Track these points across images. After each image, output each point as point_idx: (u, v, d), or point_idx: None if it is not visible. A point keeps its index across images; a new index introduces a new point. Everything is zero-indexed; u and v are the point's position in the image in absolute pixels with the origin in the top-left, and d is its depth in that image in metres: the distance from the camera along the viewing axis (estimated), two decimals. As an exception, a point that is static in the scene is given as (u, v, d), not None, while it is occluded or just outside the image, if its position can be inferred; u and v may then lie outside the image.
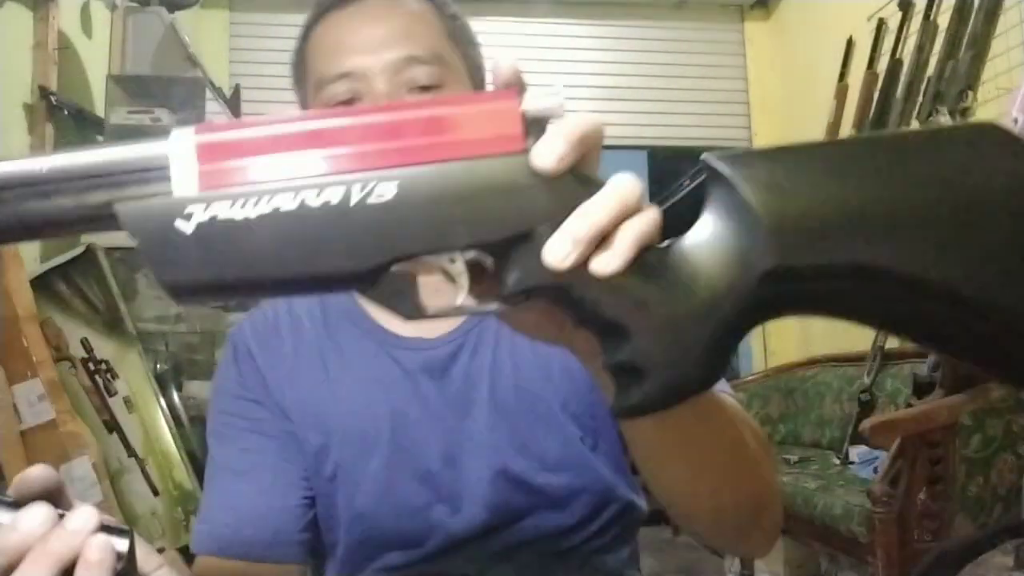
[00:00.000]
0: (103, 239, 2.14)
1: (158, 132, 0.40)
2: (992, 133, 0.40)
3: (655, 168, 5.53)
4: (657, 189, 5.32)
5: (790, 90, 3.70)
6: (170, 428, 2.14)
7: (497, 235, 0.38)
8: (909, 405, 2.02)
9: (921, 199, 0.39)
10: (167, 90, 2.42)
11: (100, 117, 2.34)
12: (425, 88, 0.70)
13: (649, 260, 0.39)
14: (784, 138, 3.73)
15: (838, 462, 2.42)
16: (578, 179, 0.39)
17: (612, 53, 3.76)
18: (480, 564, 0.74)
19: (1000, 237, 0.38)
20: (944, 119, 2.29)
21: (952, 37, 2.32)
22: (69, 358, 1.87)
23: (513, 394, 0.74)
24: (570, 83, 3.65)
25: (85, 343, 1.95)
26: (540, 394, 0.74)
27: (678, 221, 0.43)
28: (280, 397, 0.76)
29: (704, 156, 0.40)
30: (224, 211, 0.36)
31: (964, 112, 2.19)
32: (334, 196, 0.37)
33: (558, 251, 0.38)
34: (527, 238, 0.38)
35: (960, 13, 2.31)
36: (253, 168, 0.37)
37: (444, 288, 0.42)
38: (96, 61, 2.45)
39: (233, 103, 3.05)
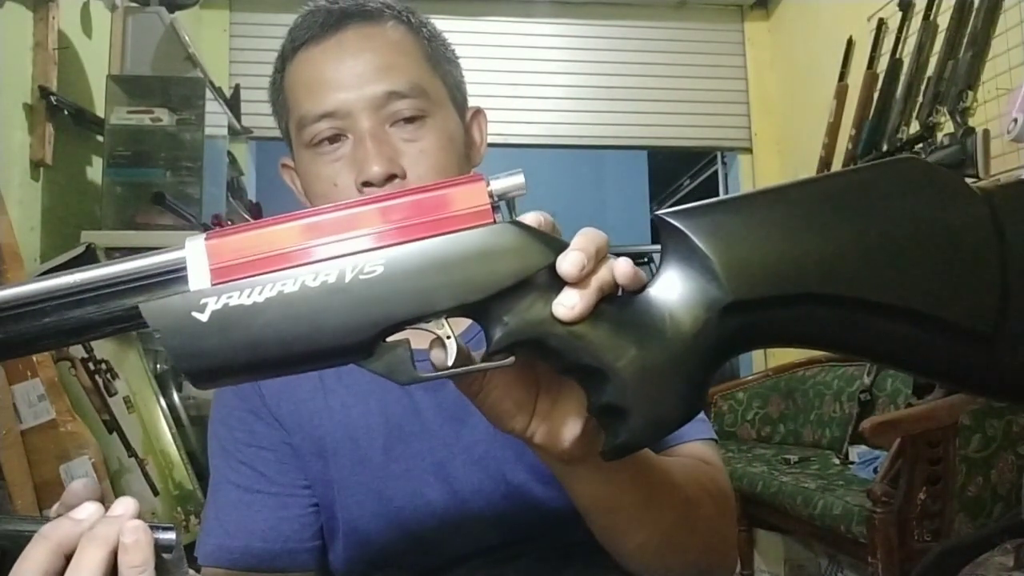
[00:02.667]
0: (103, 239, 2.14)
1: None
2: (910, 166, 0.44)
3: (655, 168, 5.50)
4: (657, 189, 5.31)
5: (790, 90, 3.70)
6: (170, 428, 2.14)
7: (476, 296, 0.42)
8: (909, 405, 2.02)
9: (854, 230, 0.43)
10: (167, 90, 2.42)
11: (100, 117, 2.34)
12: (409, 120, 0.70)
13: (617, 306, 0.44)
14: (784, 138, 3.74)
15: (838, 462, 2.42)
16: (542, 239, 0.43)
17: (612, 53, 3.75)
18: (485, 570, 0.74)
19: (927, 255, 0.43)
20: (944, 119, 2.28)
21: (952, 37, 2.32)
22: (69, 358, 1.86)
23: None
24: (570, 83, 3.65)
25: (85, 343, 1.94)
26: None
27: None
28: (276, 408, 0.77)
29: (656, 213, 0.45)
30: (235, 298, 0.40)
31: (964, 112, 2.19)
32: (330, 276, 0.41)
33: (567, 302, 0.42)
34: (504, 297, 0.42)
35: (960, 13, 2.30)
36: (257, 261, 0.41)
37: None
38: (96, 61, 2.45)
39: (233, 103, 3.05)
